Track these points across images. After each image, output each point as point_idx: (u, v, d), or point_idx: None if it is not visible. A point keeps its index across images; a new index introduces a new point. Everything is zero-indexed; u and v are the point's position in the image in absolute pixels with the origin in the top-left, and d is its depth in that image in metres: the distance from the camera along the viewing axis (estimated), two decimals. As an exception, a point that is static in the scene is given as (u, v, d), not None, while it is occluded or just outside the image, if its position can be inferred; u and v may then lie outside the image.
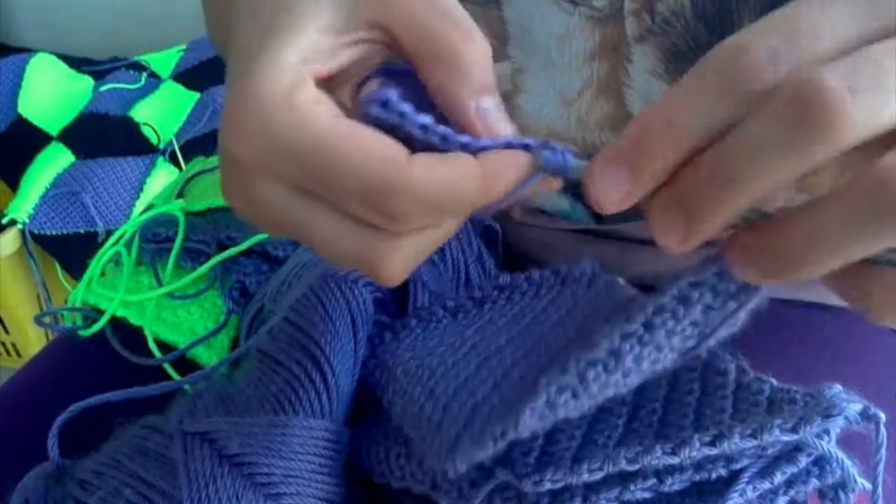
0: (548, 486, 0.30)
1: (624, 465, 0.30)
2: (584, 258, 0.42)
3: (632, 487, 0.31)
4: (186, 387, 0.45)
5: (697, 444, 0.31)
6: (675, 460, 0.30)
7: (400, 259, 0.29)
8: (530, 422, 0.29)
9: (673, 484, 0.31)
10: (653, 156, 0.26)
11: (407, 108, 0.28)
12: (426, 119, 0.28)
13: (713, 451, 0.31)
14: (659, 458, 0.30)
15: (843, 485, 0.33)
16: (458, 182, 0.27)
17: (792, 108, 0.24)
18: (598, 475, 0.30)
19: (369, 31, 0.30)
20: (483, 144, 0.28)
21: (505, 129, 0.29)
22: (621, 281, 0.39)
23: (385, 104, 0.27)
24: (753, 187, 0.26)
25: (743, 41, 0.25)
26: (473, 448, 0.30)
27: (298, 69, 0.28)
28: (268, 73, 0.27)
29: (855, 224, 0.25)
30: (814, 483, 0.33)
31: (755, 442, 0.31)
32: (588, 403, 0.30)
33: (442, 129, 0.28)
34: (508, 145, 0.28)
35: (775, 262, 0.26)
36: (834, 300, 0.53)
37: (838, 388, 0.33)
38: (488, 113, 0.29)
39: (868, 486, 0.33)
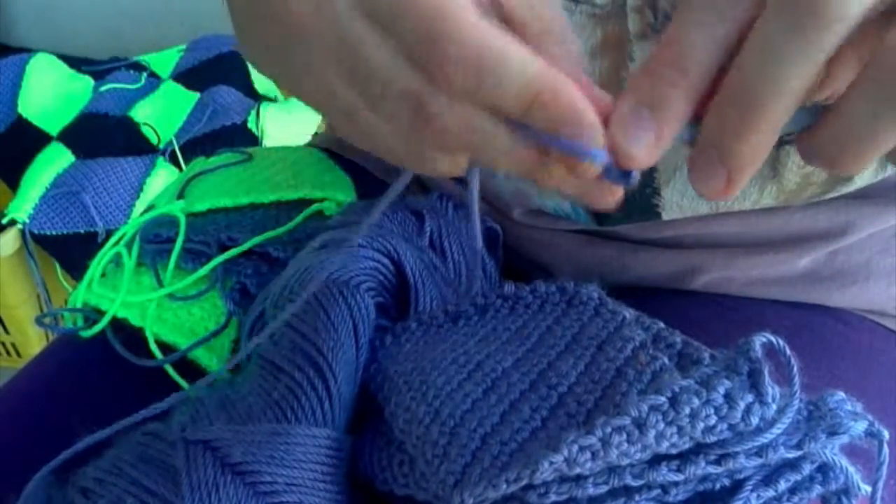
0: (553, 498, 0.31)
1: (629, 480, 0.31)
2: (591, 283, 0.42)
3: (637, 498, 0.31)
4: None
5: (703, 464, 0.31)
6: (679, 477, 0.31)
7: (457, 119, 0.28)
8: (546, 473, 0.30)
9: (677, 495, 0.32)
10: (670, 86, 0.27)
11: None
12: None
13: (718, 470, 0.31)
14: (665, 475, 0.31)
15: (846, 491, 0.33)
16: (519, 57, 0.27)
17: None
18: (603, 489, 0.31)
19: None
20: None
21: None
22: (627, 314, 0.39)
23: None
24: (777, 99, 0.26)
25: None
26: (485, 488, 0.31)
27: None
28: None
29: (884, 102, 0.25)
30: (817, 490, 0.33)
31: (760, 461, 0.31)
32: (601, 466, 0.30)
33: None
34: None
35: (835, 149, 0.27)
36: (834, 302, 0.53)
37: (841, 395, 0.33)
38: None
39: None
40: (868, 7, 0.24)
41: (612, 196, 0.30)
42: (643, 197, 0.49)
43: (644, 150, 0.28)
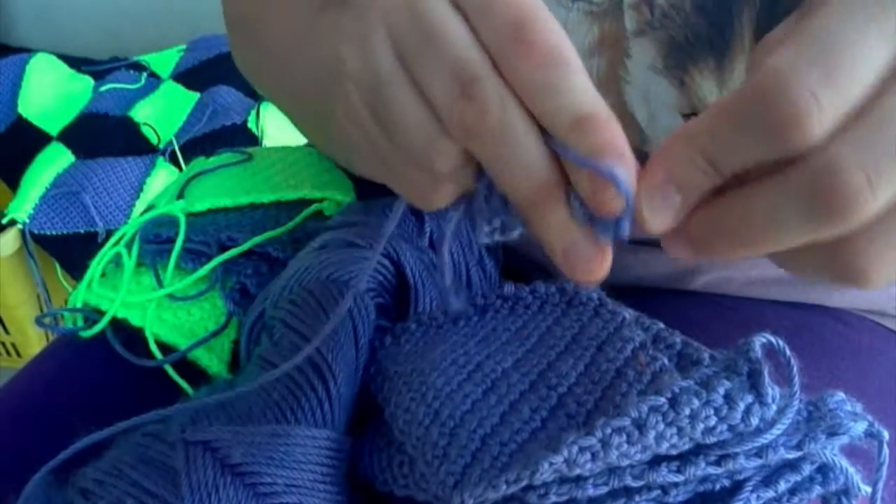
0: (553, 499, 0.31)
1: (629, 481, 0.31)
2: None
3: (636, 499, 0.31)
4: (189, 391, 0.45)
5: (703, 465, 0.31)
6: (679, 478, 0.31)
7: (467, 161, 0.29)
8: (546, 474, 0.30)
9: (677, 496, 0.32)
10: (704, 179, 0.27)
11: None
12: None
13: (718, 471, 0.31)
14: (665, 476, 0.31)
15: (846, 492, 0.33)
16: (580, 70, 0.28)
17: (812, 195, 0.25)
18: (603, 489, 0.31)
19: None
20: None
21: None
22: (627, 314, 0.39)
23: None
24: (761, 248, 0.27)
25: (783, 78, 0.25)
26: (485, 488, 0.31)
27: None
28: None
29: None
30: (817, 490, 0.33)
31: (760, 461, 0.31)
32: (601, 467, 0.30)
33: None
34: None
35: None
36: (834, 302, 0.53)
37: (841, 396, 0.33)
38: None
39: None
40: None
41: (598, 262, 0.30)
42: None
43: (660, 223, 0.28)
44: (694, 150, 0.27)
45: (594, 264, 0.30)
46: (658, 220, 0.28)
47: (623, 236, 0.29)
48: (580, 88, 0.28)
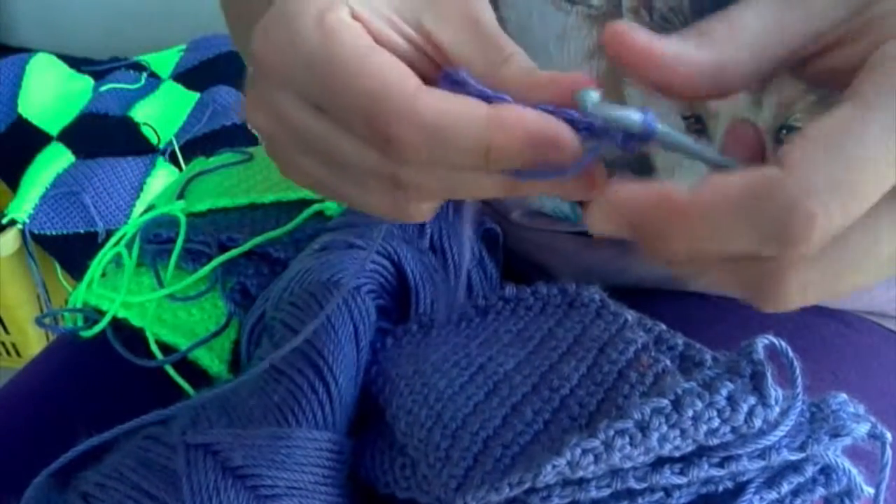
0: (556, 501, 0.31)
1: (632, 483, 0.31)
2: (593, 285, 0.42)
3: (639, 501, 0.31)
4: (191, 392, 0.45)
5: (706, 467, 0.31)
6: (682, 480, 0.31)
7: (413, 186, 0.29)
8: (549, 477, 0.30)
9: (680, 497, 0.32)
10: (657, 235, 0.26)
11: (470, 79, 0.28)
12: (487, 89, 0.28)
13: (721, 472, 0.31)
14: (668, 478, 0.31)
15: (848, 493, 0.33)
16: (462, 117, 0.27)
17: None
18: (606, 492, 0.31)
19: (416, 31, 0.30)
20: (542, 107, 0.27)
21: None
22: (629, 316, 0.39)
23: (446, 77, 0.28)
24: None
25: (806, 204, 0.24)
26: (488, 491, 0.31)
27: None
28: None
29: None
30: (820, 491, 0.33)
31: (763, 463, 0.31)
32: (604, 469, 0.30)
33: (500, 94, 0.28)
34: (556, 113, 0.27)
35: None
36: (835, 303, 0.53)
37: (843, 397, 0.33)
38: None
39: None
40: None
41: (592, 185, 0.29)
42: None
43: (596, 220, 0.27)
44: (679, 224, 0.26)
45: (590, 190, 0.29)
46: (595, 220, 0.27)
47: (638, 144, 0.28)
48: (461, 133, 0.27)
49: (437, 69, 0.31)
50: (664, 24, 0.43)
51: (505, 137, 0.27)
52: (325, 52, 0.28)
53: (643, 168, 0.48)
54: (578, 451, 0.30)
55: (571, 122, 0.27)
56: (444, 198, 0.31)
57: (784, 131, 0.44)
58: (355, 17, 0.29)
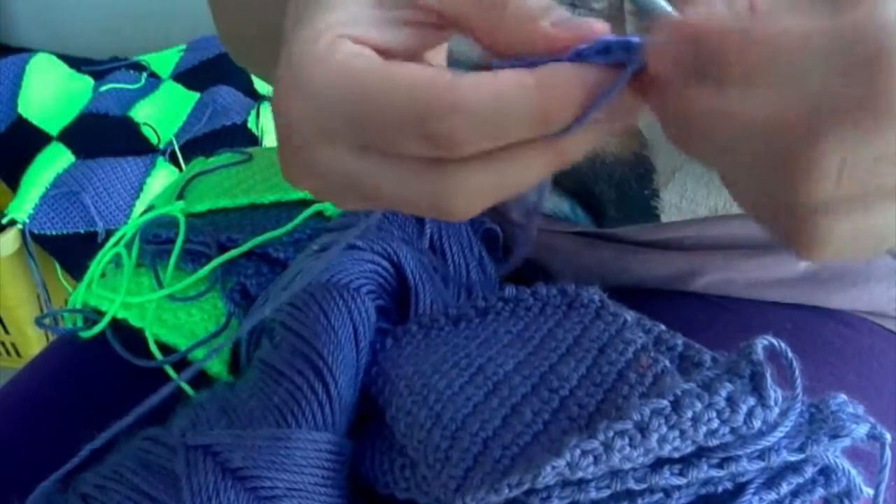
0: (555, 502, 0.31)
1: (631, 484, 0.31)
2: (592, 286, 0.42)
3: (639, 502, 0.31)
4: (190, 392, 0.45)
5: (706, 467, 0.31)
6: (682, 481, 0.31)
7: (470, 191, 0.28)
8: (549, 478, 0.30)
9: (680, 498, 0.32)
10: (722, 60, 0.24)
11: (503, 63, 0.27)
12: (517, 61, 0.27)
13: (720, 473, 0.31)
14: (667, 479, 0.31)
15: (848, 494, 0.33)
16: (509, 92, 0.26)
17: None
18: (606, 492, 0.31)
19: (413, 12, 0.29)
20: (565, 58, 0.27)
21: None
22: (629, 316, 0.39)
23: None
24: None
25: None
26: (487, 492, 0.31)
27: (334, 30, 0.28)
28: (304, 37, 0.28)
29: None
30: (819, 492, 0.33)
31: (762, 464, 0.31)
32: (603, 470, 0.30)
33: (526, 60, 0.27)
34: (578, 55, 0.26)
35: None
36: (835, 303, 0.53)
37: (843, 398, 0.33)
38: (567, 21, 0.27)
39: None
40: None
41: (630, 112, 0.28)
42: (642, 199, 0.49)
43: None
44: (748, 48, 0.24)
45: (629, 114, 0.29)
46: (657, 49, 0.26)
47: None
48: (513, 105, 0.26)
49: (446, 34, 0.30)
50: None
51: (561, 98, 0.26)
52: (346, 87, 0.27)
53: (643, 168, 0.48)
54: (578, 451, 0.30)
55: (585, 55, 0.27)
56: (497, 195, 0.29)
57: None
58: (356, 41, 0.28)
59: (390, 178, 0.28)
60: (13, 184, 1.35)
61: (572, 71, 0.26)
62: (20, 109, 1.45)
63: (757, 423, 0.30)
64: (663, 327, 0.39)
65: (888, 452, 0.32)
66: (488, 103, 0.26)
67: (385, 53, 0.29)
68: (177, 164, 1.37)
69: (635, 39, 0.27)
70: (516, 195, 0.30)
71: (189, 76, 1.57)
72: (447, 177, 0.28)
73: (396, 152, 0.28)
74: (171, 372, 0.49)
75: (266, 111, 1.44)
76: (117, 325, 0.52)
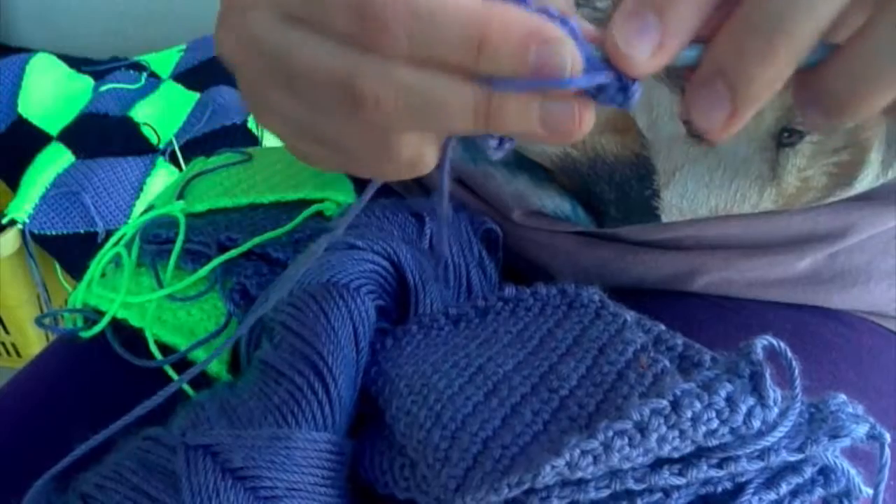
0: (555, 502, 0.31)
1: (631, 484, 0.31)
2: (592, 286, 0.42)
3: (638, 502, 0.31)
4: (191, 392, 0.45)
5: (705, 467, 0.31)
6: (681, 481, 0.31)
7: (386, 86, 0.26)
8: (548, 477, 0.30)
9: (679, 498, 0.32)
10: None
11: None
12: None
13: (720, 473, 0.31)
14: (667, 478, 0.31)
15: (847, 493, 0.33)
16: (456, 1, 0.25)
17: None
18: (605, 492, 0.31)
19: None
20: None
21: None
22: (628, 316, 0.39)
23: None
24: (804, 25, 0.24)
25: None
26: (487, 492, 0.31)
27: None
28: None
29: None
30: (819, 492, 0.33)
31: (762, 464, 0.31)
32: (603, 469, 0.30)
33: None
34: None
35: (843, 87, 0.25)
36: (835, 303, 0.53)
37: (842, 398, 0.33)
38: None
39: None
40: None
41: (580, 121, 0.27)
42: (642, 199, 0.49)
43: (644, 57, 0.26)
44: None
45: (574, 126, 0.27)
46: (643, 55, 0.25)
47: (632, 103, 0.26)
48: (450, 12, 0.25)
49: None
50: None
51: (502, 30, 0.25)
52: None
53: (644, 169, 0.48)
54: (577, 451, 0.30)
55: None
56: (416, 123, 0.27)
57: (786, 134, 0.44)
58: None
59: (310, 49, 0.28)
60: (13, 184, 1.35)
61: (526, 14, 0.25)
62: (20, 109, 1.45)
63: (756, 423, 0.30)
64: (663, 327, 0.39)
65: (888, 452, 0.32)
66: (428, 4, 0.25)
67: None
68: (177, 164, 1.37)
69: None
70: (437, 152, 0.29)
71: (189, 76, 1.57)
72: (366, 61, 0.27)
73: (321, 22, 0.27)
74: (171, 372, 0.49)
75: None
76: (117, 325, 0.52)
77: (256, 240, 0.53)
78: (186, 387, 0.48)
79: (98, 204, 1.28)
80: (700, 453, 0.31)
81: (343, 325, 0.39)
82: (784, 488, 0.32)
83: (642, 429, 0.30)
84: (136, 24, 1.76)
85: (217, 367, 0.49)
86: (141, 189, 1.32)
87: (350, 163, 0.32)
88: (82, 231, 1.28)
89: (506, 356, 0.38)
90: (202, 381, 0.48)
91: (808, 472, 0.33)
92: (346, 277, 0.42)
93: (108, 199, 1.30)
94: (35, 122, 1.44)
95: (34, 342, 1.37)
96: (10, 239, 1.24)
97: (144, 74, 1.58)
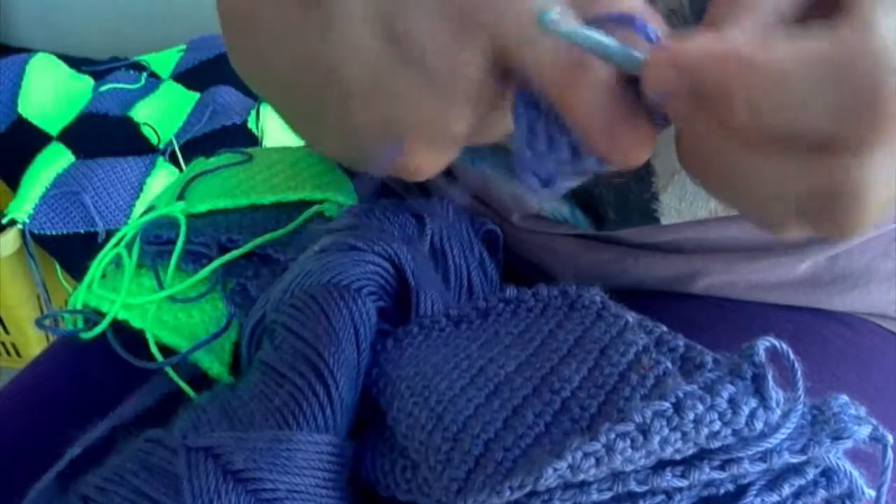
0: (557, 504, 0.31)
1: (633, 486, 0.31)
2: (594, 287, 0.42)
3: (640, 504, 0.31)
4: (191, 393, 0.45)
5: (707, 469, 0.31)
6: (683, 483, 0.31)
7: None
8: (550, 480, 0.30)
9: (681, 500, 0.32)
10: (719, 94, 0.24)
11: None
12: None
13: (722, 475, 0.31)
14: (669, 480, 0.31)
15: (850, 495, 0.33)
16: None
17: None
18: (608, 495, 0.31)
19: None
20: None
21: None
22: (630, 318, 0.39)
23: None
24: None
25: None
26: (489, 494, 0.31)
27: None
28: None
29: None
30: (821, 494, 0.33)
31: (764, 466, 0.31)
32: (605, 472, 0.30)
33: None
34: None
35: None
36: (836, 305, 0.53)
37: (844, 399, 0.33)
38: None
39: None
40: None
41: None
42: (641, 201, 0.49)
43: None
44: (748, 80, 0.23)
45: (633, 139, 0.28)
46: (652, 78, 0.25)
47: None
48: None
49: None
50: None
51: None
52: None
53: (643, 171, 0.48)
54: (580, 454, 0.30)
55: None
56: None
57: None
58: None
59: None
60: (13, 184, 1.35)
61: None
62: (20, 109, 1.45)
63: (759, 425, 0.30)
64: (665, 328, 0.39)
65: (890, 454, 0.32)
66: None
67: None
68: (177, 165, 1.37)
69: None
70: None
71: (189, 76, 1.57)
72: None
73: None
74: (171, 373, 0.49)
75: (266, 111, 1.44)
76: (118, 327, 0.52)
77: (257, 241, 0.53)
78: (187, 388, 0.48)
79: (98, 204, 1.28)
80: (702, 455, 0.31)
81: (344, 327, 0.39)
82: (786, 490, 0.32)
83: (644, 431, 0.30)
84: (136, 24, 1.76)
85: (218, 369, 0.49)
86: (141, 189, 1.32)
87: (397, 127, 0.31)
88: (82, 231, 1.28)
89: (507, 357, 0.38)
90: (203, 382, 0.48)
91: (811, 473, 0.32)
92: (347, 279, 0.42)
93: (108, 199, 1.30)
94: (35, 122, 1.44)
95: (34, 342, 1.37)
96: (10, 239, 1.24)
97: (144, 74, 1.58)
